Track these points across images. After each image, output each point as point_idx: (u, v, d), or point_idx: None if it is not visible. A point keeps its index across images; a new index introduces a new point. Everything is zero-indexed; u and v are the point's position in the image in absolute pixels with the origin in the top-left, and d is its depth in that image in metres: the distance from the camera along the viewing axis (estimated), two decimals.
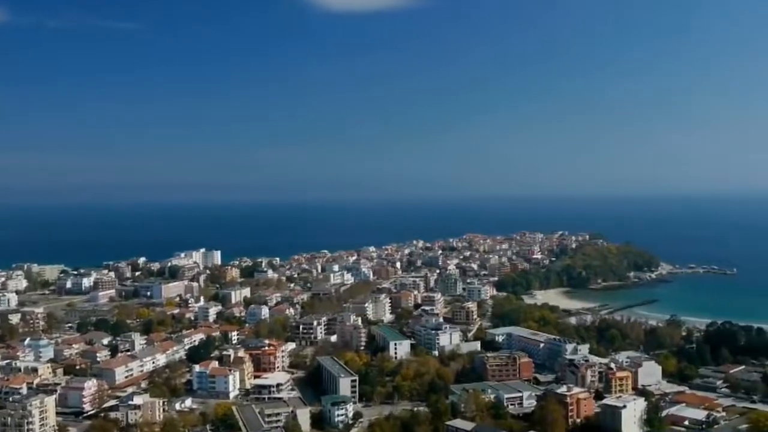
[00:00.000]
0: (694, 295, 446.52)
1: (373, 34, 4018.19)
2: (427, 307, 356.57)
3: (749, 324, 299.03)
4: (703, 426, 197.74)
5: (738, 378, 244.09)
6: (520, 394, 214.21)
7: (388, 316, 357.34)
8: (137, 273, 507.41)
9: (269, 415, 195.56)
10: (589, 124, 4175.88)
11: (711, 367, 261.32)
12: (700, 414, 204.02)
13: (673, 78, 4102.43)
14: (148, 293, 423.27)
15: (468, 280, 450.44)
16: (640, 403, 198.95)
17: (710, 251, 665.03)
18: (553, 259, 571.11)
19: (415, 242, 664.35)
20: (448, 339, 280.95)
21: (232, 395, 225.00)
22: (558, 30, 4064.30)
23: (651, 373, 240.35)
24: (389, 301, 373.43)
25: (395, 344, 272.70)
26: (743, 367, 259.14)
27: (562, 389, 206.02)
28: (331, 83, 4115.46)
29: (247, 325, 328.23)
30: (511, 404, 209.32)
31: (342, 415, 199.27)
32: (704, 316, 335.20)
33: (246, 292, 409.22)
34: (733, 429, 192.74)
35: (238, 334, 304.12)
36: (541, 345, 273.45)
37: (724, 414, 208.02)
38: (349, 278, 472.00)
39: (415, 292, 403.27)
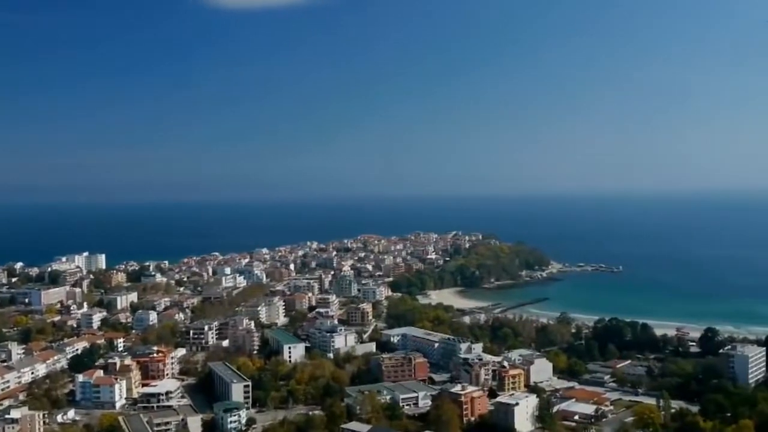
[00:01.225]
0: (583, 293, 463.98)
1: (271, 33, 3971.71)
2: (321, 310, 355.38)
3: (635, 320, 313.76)
4: (592, 420, 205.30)
5: (624, 372, 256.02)
6: (416, 395, 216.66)
7: (281, 319, 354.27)
8: (14, 279, 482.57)
9: (158, 425, 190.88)
10: (485, 123, 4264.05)
11: (599, 362, 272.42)
12: (589, 408, 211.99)
13: (569, 73, 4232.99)
14: (27, 300, 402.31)
15: (363, 281, 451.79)
16: (532, 400, 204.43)
17: (599, 250, 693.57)
18: (447, 259, 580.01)
19: (309, 243, 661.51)
20: (343, 341, 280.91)
21: (118, 405, 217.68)
22: (442, 28, 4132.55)
23: (542, 370, 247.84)
24: (283, 303, 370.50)
25: (289, 348, 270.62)
26: (629, 361, 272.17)
27: (457, 388, 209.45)
28: (233, 83, 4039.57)
29: (134, 331, 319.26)
30: (407, 405, 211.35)
31: (235, 421, 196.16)
32: (593, 313, 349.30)
33: (133, 297, 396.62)
34: (620, 422, 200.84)
35: (124, 341, 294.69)
36: (436, 345, 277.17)
37: (611, 408, 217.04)
38: (241, 281, 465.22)
39: (310, 294, 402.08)
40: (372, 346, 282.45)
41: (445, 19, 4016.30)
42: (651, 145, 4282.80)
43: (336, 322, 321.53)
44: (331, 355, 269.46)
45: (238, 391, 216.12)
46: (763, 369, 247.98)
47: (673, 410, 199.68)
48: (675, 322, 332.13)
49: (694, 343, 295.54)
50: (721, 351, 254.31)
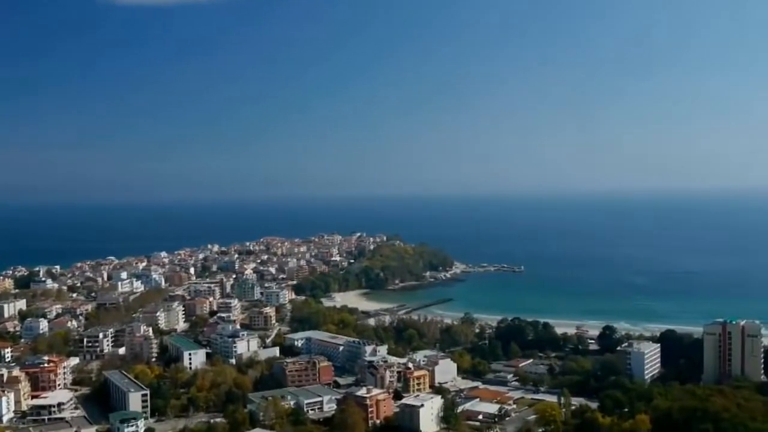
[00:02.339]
0: (487, 293, 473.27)
1: (168, 29, 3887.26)
2: (223, 314, 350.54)
3: (536, 319, 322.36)
4: (496, 419, 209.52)
5: (527, 371, 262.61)
6: (320, 399, 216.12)
7: (181, 325, 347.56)
8: None
9: None
10: (392, 123, 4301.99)
11: (502, 361, 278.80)
12: (492, 408, 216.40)
13: (461, 72, 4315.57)
14: None
15: (266, 285, 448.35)
16: (437, 401, 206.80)
17: (502, 250, 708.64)
18: (352, 260, 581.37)
19: (210, 246, 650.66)
20: (246, 346, 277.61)
21: (6, 419, 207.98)
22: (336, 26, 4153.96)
23: (447, 371, 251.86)
24: (183, 308, 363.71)
25: (189, 354, 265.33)
26: (531, 360, 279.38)
27: (362, 391, 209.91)
28: (126, 82, 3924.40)
29: (23, 340, 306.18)
30: (311, 409, 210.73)
31: None
32: (496, 312, 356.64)
33: (21, 304, 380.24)
34: (522, 420, 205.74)
35: (12, 351, 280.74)
36: (341, 348, 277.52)
37: (514, 406, 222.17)
38: (138, 286, 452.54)
39: (211, 299, 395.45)
40: (275, 351, 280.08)
41: (353, 16, 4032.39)
42: (558, 146, 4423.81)
43: (238, 326, 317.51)
44: (233, 360, 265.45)
45: (135, 401, 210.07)
46: (658, 365, 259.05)
47: (573, 407, 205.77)
48: (575, 320, 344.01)
49: (593, 341, 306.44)
50: (618, 348, 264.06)
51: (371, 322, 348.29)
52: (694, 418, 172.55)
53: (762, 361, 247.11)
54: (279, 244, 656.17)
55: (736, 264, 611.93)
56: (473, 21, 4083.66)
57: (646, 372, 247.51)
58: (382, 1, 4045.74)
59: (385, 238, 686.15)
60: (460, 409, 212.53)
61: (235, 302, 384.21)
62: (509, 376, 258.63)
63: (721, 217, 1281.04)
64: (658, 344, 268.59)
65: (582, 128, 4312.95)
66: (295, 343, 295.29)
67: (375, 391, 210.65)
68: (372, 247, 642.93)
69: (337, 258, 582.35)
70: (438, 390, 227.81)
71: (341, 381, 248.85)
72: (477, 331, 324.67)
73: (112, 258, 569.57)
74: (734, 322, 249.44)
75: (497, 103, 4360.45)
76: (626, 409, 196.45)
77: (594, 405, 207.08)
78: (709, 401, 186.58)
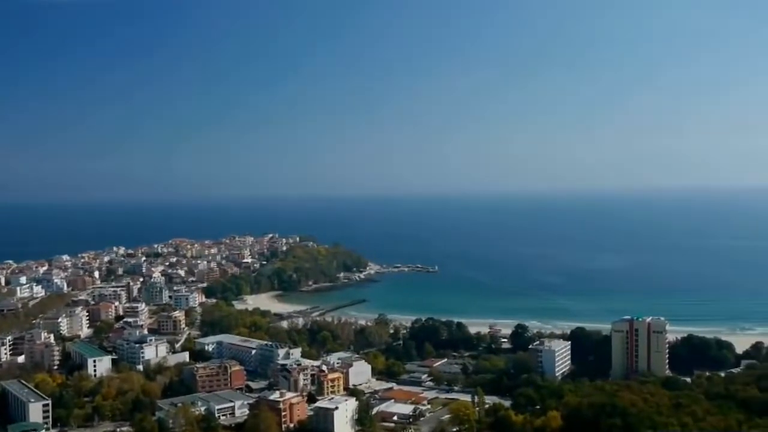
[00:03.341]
0: (401, 294, 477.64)
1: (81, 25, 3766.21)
2: (129, 319, 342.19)
3: (450, 319, 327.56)
4: (410, 420, 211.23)
5: (441, 371, 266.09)
6: (232, 404, 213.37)
7: (85, 331, 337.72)
8: None
9: None
10: (306, 124, 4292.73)
11: (417, 362, 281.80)
12: (407, 408, 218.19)
13: (371, 78, 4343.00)
14: None
15: (175, 288, 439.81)
16: (352, 403, 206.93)
17: (416, 250, 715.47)
18: (264, 262, 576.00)
19: (115, 249, 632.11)
20: (154, 352, 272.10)
21: None
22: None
23: (361, 372, 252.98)
24: (86, 314, 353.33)
25: (94, 361, 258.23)
26: (445, 360, 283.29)
27: (275, 395, 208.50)
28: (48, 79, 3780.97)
29: None
30: (223, 415, 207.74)
31: None
32: (410, 313, 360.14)
33: None
34: (437, 420, 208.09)
35: None
36: (253, 351, 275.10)
37: (428, 406, 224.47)
38: (39, 291, 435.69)
39: (116, 303, 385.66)
40: (185, 356, 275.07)
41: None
42: (459, 148, 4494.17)
43: (146, 332, 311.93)
44: (140, 367, 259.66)
45: (36, 411, 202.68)
46: (569, 362, 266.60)
47: (487, 406, 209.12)
48: (488, 319, 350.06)
49: (506, 340, 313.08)
50: (530, 347, 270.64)
51: (284, 324, 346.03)
52: (603, 413, 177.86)
53: (667, 356, 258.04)
54: (189, 246, 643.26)
55: (642, 262, 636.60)
56: (386, 25, 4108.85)
57: (557, 369, 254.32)
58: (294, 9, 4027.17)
59: (298, 239, 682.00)
60: (374, 410, 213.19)
61: (142, 306, 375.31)
62: (423, 377, 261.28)
63: (627, 217, 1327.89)
64: (569, 342, 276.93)
65: (476, 130, 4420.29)
66: (206, 347, 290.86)
67: (288, 395, 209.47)
68: (285, 248, 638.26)
69: (249, 260, 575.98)
70: (352, 392, 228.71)
71: (254, 385, 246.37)
72: (391, 331, 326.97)
73: (10, 262, 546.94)
74: (640, 319, 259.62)
75: (399, 106, 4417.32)
76: (538, 407, 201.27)
77: (507, 403, 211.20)
78: (617, 396, 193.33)
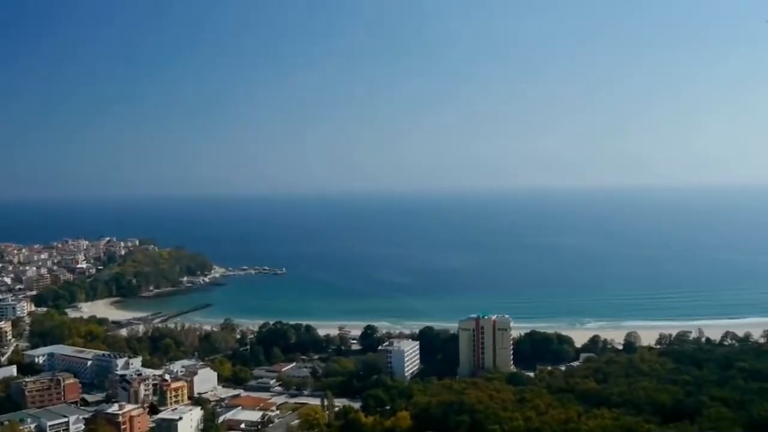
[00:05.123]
0: (248, 297, 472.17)
1: None
2: None
3: (299, 322, 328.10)
4: (259, 427, 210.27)
5: (290, 375, 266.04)
6: (66, 419, 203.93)
7: None
8: None
9: None
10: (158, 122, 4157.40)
11: (265, 367, 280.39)
12: (255, 415, 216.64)
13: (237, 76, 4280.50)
14: None
15: (0, 297, 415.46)
16: (197, 413, 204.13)
17: (263, 251, 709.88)
18: (101, 267, 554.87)
19: None
20: None
21: None
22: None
23: (207, 380, 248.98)
24: None
25: None
26: (294, 364, 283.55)
27: (113, 408, 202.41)
28: None
29: None
30: (56, 431, 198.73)
31: None
32: (257, 317, 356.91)
33: None
34: (286, 425, 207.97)
35: None
36: (89, 362, 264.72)
37: (277, 412, 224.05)
38: None
39: None
40: (12, 370, 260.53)
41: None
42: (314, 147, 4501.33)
43: None
44: None
45: None
46: (418, 362, 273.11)
47: (336, 408, 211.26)
48: (338, 321, 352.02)
49: (355, 341, 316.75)
50: (380, 347, 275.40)
51: (123, 332, 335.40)
52: (452, 411, 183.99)
53: (511, 352, 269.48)
54: (15, 252, 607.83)
55: (491, 261, 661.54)
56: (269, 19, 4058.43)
57: (406, 369, 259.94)
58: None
59: (137, 243, 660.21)
60: (221, 419, 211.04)
61: None
62: (272, 382, 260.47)
63: (489, 216, 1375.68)
64: (417, 341, 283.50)
65: (330, 130, 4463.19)
66: (36, 359, 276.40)
67: (128, 407, 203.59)
68: (123, 252, 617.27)
69: (84, 265, 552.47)
70: (197, 401, 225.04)
71: (90, 398, 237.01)
72: (238, 337, 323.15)
73: None
74: (486, 317, 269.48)
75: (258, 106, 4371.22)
76: (388, 407, 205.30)
77: (357, 405, 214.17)
78: (464, 394, 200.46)
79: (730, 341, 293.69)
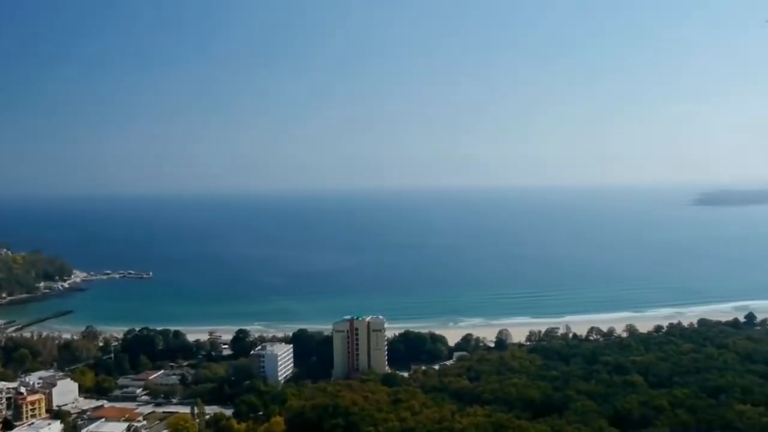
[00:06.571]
0: (111, 303, 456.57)
1: None
2: None
3: (167, 328, 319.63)
4: None
5: (158, 383, 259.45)
6: None
7: None
8: None
9: None
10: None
11: (131, 375, 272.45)
12: (120, 427, 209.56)
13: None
14: None
15: None
16: (56, 426, 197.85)
17: (129, 254, 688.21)
18: None
19: None
20: None
21: None
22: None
23: (67, 392, 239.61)
24: None
25: None
26: (162, 371, 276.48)
27: None
28: None
29: None
30: None
31: None
32: (122, 324, 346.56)
33: None
34: None
35: None
36: None
37: (144, 422, 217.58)
38: None
39: None
40: None
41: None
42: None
43: None
44: None
45: None
46: (291, 365, 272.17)
47: (207, 416, 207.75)
48: (208, 326, 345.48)
49: (226, 346, 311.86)
50: (252, 352, 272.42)
51: None
52: (326, 415, 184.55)
53: (386, 353, 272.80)
54: None
55: (367, 261, 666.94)
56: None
57: (279, 373, 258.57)
58: None
59: None
60: None
61: None
62: (138, 391, 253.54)
63: (368, 216, 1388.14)
64: (291, 344, 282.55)
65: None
66: None
67: None
68: None
69: None
70: (57, 414, 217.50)
71: None
72: (101, 344, 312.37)
73: None
74: (360, 318, 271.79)
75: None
76: (261, 413, 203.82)
77: (229, 412, 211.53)
78: (339, 396, 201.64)
79: (595, 336, 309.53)
